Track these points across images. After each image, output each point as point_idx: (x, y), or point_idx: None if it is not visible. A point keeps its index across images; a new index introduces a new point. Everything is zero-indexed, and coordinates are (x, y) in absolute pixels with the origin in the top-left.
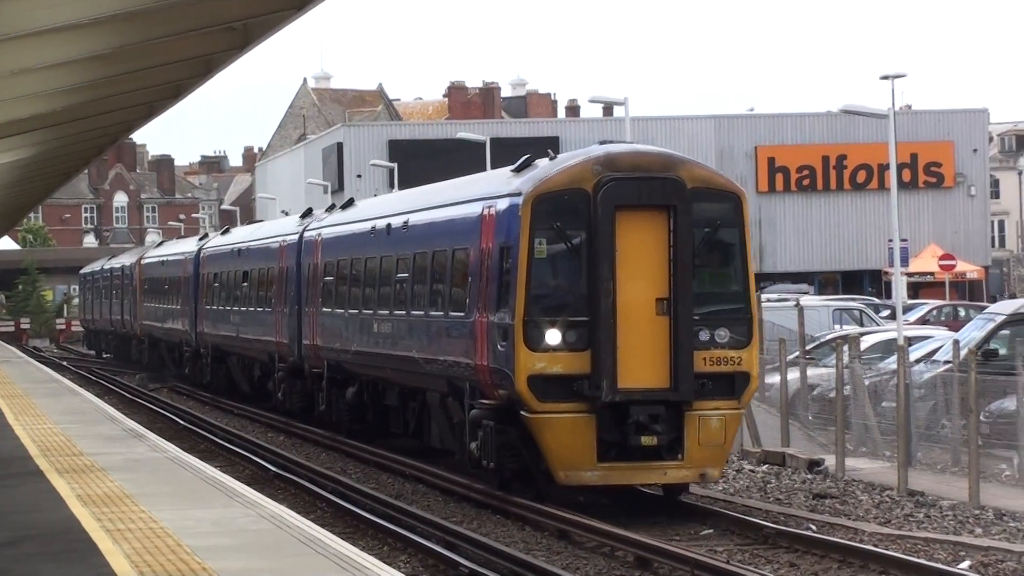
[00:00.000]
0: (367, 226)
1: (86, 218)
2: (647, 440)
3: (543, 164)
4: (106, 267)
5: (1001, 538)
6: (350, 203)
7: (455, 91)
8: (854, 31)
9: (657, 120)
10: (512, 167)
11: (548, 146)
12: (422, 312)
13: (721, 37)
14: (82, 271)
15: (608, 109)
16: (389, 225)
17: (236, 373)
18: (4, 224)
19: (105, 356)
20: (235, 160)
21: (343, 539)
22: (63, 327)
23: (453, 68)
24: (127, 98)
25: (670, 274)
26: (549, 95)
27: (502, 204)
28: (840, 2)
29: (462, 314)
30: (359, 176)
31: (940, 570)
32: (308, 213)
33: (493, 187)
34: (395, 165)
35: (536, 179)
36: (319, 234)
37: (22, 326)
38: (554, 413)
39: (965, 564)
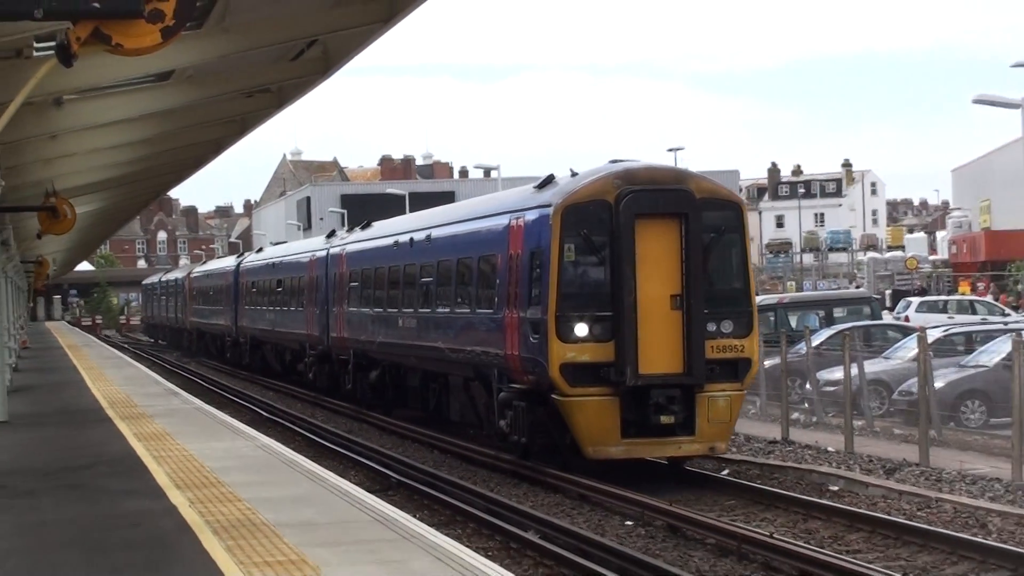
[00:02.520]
0: (389, 241)
1: (138, 248)
2: (665, 419)
3: (564, 180)
4: (163, 279)
5: (748, 454)
6: (368, 225)
7: (385, 161)
8: (653, 114)
9: (520, 179)
10: (534, 185)
11: (448, 199)
12: (448, 309)
13: (566, 119)
14: (144, 282)
15: (487, 172)
16: (412, 239)
17: (270, 358)
18: (84, 252)
19: (161, 343)
20: (239, 208)
21: (312, 461)
22: (124, 322)
23: (383, 145)
24: (164, 168)
25: (682, 273)
26: (448, 163)
27: (531, 215)
28: (640, 93)
29: (490, 311)
30: (321, 219)
31: (708, 475)
32: (332, 234)
33: (518, 202)
34: (345, 211)
35: (564, 192)
36: (343, 249)
37: (97, 321)
38: (583, 396)
39: (725, 472)
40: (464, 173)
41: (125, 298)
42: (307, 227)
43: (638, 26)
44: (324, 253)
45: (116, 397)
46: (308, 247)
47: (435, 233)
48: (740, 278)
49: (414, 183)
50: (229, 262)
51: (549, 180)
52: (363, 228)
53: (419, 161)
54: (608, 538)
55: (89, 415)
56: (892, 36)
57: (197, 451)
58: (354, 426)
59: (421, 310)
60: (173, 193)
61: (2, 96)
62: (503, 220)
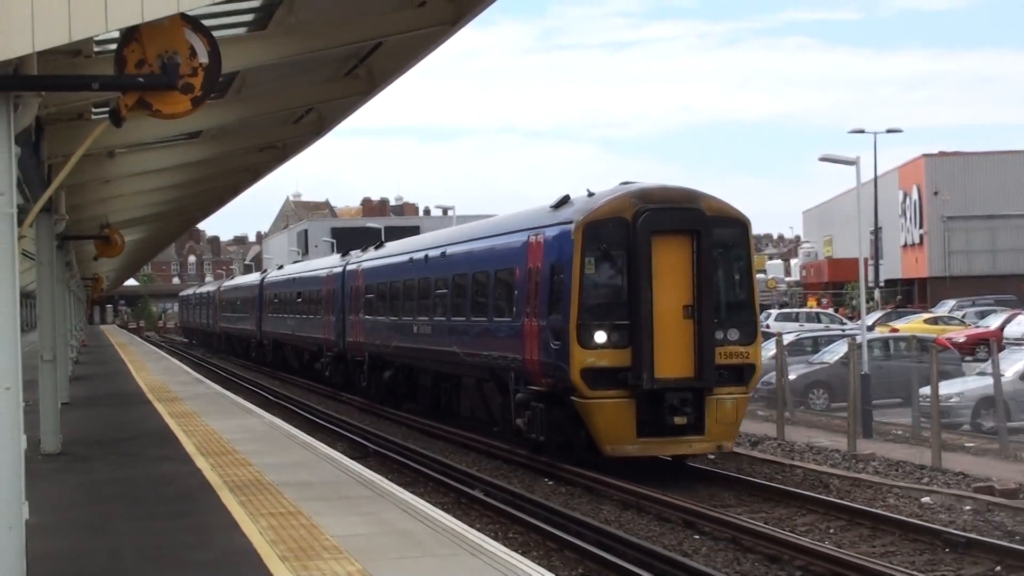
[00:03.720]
0: (404, 258)
1: (173, 268)
2: (678, 419)
3: (581, 199)
4: (197, 291)
5: None
6: (381, 245)
7: (366, 201)
8: (570, 170)
9: (470, 216)
10: (551, 205)
11: (415, 231)
12: (463, 318)
13: (503, 171)
14: (181, 293)
15: (445, 211)
16: (427, 256)
17: (290, 357)
18: (131, 271)
19: (194, 343)
20: (252, 238)
21: (307, 434)
22: (161, 325)
23: (364, 189)
24: (193, 206)
25: (694, 286)
26: (415, 204)
27: (551, 232)
28: (560, 152)
29: (508, 319)
30: (316, 247)
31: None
32: (346, 253)
33: (535, 220)
34: (335, 240)
35: (584, 210)
36: (359, 266)
37: (140, 325)
38: (602, 399)
39: None
40: (427, 211)
41: (162, 307)
42: (305, 252)
43: (560, 100)
44: (340, 269)
45: (155, 384)
46: (325, 264)
47: (450, 250)
48: (745, 290)
49: (388, 219)
50: (254, 277)
51: (565, 200)
52: (377, 248)
53: (392, 202)
54: (536, 495)
55: (133, 398)
56: (755, 108)
57: (217, 426)
58: (341, 407)
59: (436, 318)
60: (201, 225)
61: (67, 149)
62: (521, 237)
